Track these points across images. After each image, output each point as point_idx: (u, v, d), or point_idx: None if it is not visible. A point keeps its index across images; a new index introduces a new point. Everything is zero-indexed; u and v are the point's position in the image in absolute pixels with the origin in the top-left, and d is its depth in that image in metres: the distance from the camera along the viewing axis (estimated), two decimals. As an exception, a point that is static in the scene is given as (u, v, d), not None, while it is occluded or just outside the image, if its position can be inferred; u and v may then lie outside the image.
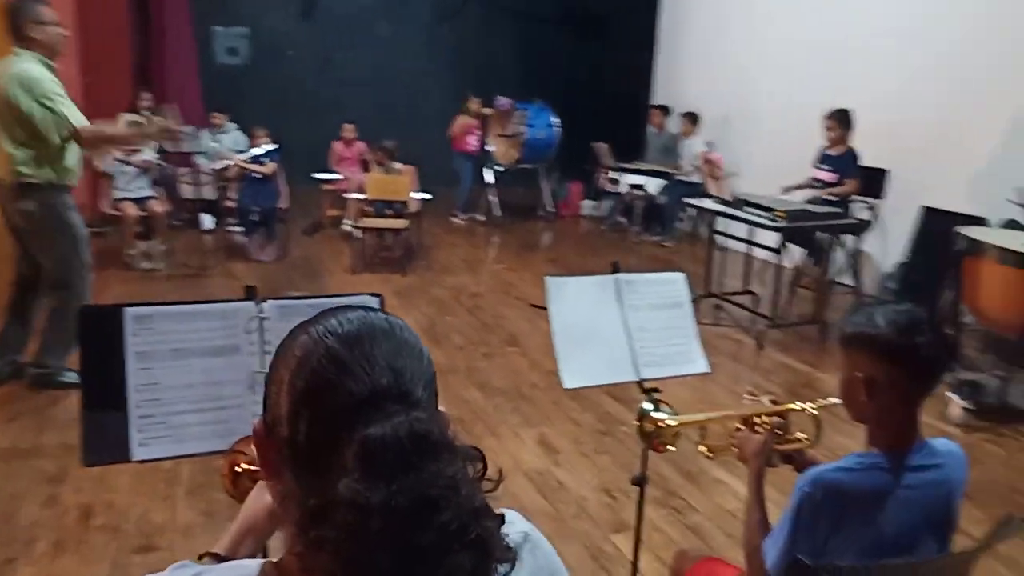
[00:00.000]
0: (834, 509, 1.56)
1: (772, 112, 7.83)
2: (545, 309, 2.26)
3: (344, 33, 10.82)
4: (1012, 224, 5.02)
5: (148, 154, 6.82)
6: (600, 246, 8.33)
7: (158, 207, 6.67)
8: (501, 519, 0.82)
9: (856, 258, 5.87)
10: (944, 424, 4.15)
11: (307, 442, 0.81)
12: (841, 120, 5.88)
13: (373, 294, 1.94)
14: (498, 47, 11.11)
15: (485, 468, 0.84)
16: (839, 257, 6.01)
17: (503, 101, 9.19)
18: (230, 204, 7.41)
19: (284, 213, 7.33)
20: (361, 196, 7.31)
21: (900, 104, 6.30)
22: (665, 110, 9.02)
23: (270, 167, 7.18)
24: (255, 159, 7.15)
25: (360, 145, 8.47)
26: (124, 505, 3.12)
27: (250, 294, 1.83)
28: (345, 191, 8.12)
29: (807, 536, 1.57)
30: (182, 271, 6.43)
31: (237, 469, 1.48)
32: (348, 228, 7.95)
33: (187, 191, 6.80)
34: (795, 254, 6.14)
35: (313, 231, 8.23)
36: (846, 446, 1.72)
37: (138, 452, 1.68)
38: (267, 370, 0.91)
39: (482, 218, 9.16)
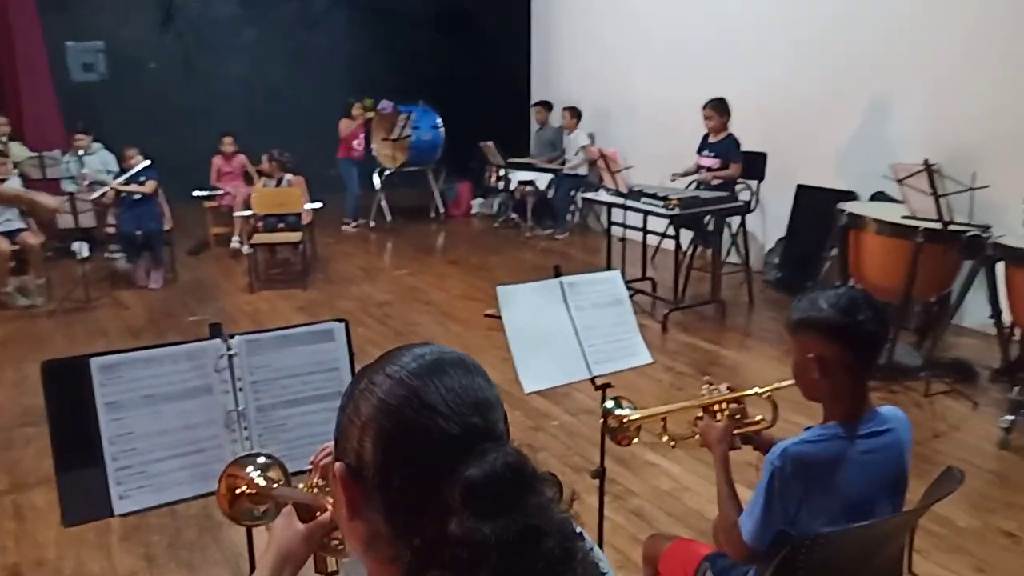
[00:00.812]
0: (802, 478, 1.70)
1: (652, 103, 8.14)
2: (499, 318, 2.31)
3: (207, 42, 10.40)
4: (880, 196, 5.46)
5: (12, 184, 6.35)
6: (495, 244, 8.43)
7: (31, 239, 6.23)
8: (583, 537, 0.87)
9: (742, 238, 6.22)
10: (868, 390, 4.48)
11: (403, 486, 0.83)
12: (717, 108, 6.20)
13: (338, 319, 1.95)
14: (374, 50, 10.97)
15: (562, 492, 0.89)
16: (726, 238, 6.34)
17: (386, 105, 9.12)
18: (109, 230, 7.02)
19: (168, 235, 7.00)
20: (248, 212, 7.11)
21: (772, 92, 6.72)
22: (548, 105, 9.20)
23: (150, 185, 6.83)
24: (131, 179, 6.79)
25: (241, 158, 8.20)
26: (55, 560, 2.95)
27: (216, 332, 1.80)
28: (230, 207, 7.85)
29: (780, 506, 1.70)
30: (65, 305, 6.04)
31: (238, 491, 1.44)
32: (237, 246, 7.70)
33: (62, 220, 6.37)
34: (687, 238, 6.45)
35: (200, 251, 7.92)
36: (801, 423, 1.85)
37: (120, 506, 1.62)
38: (339, 414, 0.92)
39: (373, 224, 9.07)
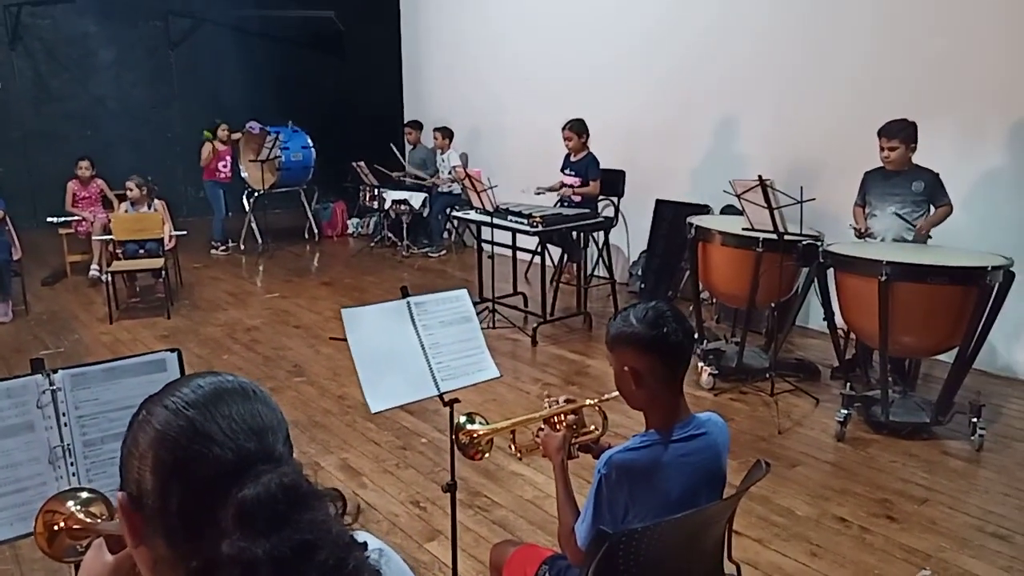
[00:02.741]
0: (626, 483, 1.82)
1: (519, 124, 8.38)
2: (345, 340, 2.34)
3: (61, 61, 9.93)
4: (729, 209, 5.81)
5: None
6: (371, 264, 8.40)
7: None
8: (364, 546, 0.94)
9: (606, 252, 6.46)
10: (698, 391, 4.74)
11: (180, 511, 0.87)
12: (575, 128, 6.46)
13: (171, 349, 1.94)
14: (241, 71, 10.74)
15: (345, 505, 0.95)
16: (592, 252, 6.57)
17: (254, 125, 8.95)
18: (-50, 261, 6.57)
19: (18, 265, 6.62)
20: (107, 237, 6.83)
21: (632, 115, 7.11)
22: (418, 125, 9.27)
23: (-5, 215, 6.46)
24: (-26, 208, 6.40)
25: (99, 182, 7.85)
26: None
27: (37, 367, 1.76)
28: (87, 233, 7.51)
29: (609, 510, 1.82)
30: (-101, 343, 5.63)
31: (55, 528, 1.42)
32: (96, 273, 7.36)
33: None
34: (554, 253, 6.66)
35: (54, 281, 7.52)
36: (636, 429, 1.98)
37: (-69, 553, 1.56)
38: (121, 446, 0.95)
39: (243, 247, 8.86)
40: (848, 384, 4.29)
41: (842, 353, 4.60)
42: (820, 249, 4.28)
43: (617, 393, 1.98)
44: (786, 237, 4.40)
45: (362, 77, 10.89)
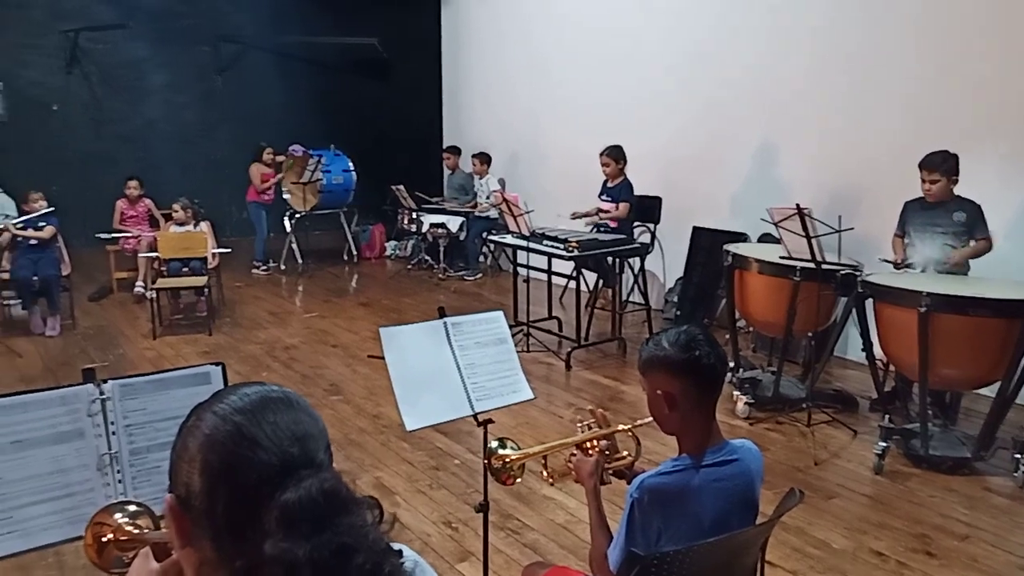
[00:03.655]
0: (659, 508, 1.82)
1: (557, 149, 8.46)
2: (383, 358, 2.39)
3: (115, 84, 10.26)
4: (767, 237, 5.78)
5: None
6: (408, 286, 8.49)
7: (-82, 286, 6.00)
8: (400, 553, 0.97)
9: (642, 278, 6.47)
10: (733, 420, 4.70)
11: (226, 513, 0.91)
12: (611, 154, 6.50)
13: (215, 363, 2.00)
14: (286, 95, 11.01)
15: (382, 513, 0.98)
16: (628, 278, 6.58)
17: (297, 148, 9.16)
18: (3, 275, 6.79)
19: (67, 280, 6.83)
20: (153, 254, 7.02)
21: (670, 140, 7.14)
22: (456, 151, 9.39)
23: (47, 231, 6.67)
24: (30, 224, 6.62)
25: (147, 202, 8.08)
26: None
27: (89, 377, 1.83)
28: (134, 250, 7.72)
29: (642, 535, 1.83)
30: (-46, 354, 5.82)
31: (103, 540, 1.47)
32: (141, 290, 7.55)
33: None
34: (589, 278, 6.68)
35: (101, 297, 7.72)
36: (667, 455, 1.99)
37: (-16, 552, 1.62)
38: (171, 451, 0.99)
39: (284, 267, 9.03)
40: (887, 416, 4.23)
41: (881, 385, 4.53)
42: (859, 279, 4.24)
43: (651, 418, 1.99)
44: (824, 266, 4.37)
45: (403, 103, 11.09)
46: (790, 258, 4.50)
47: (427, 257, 9.23)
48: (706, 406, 1.88)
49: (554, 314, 6.57)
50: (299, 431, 0.96)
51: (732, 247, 4.95)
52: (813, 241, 4.29)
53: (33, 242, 6.63)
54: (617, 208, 6.48)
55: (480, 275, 8.81)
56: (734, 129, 6.68)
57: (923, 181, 4.45)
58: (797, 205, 4.24)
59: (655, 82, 7.33)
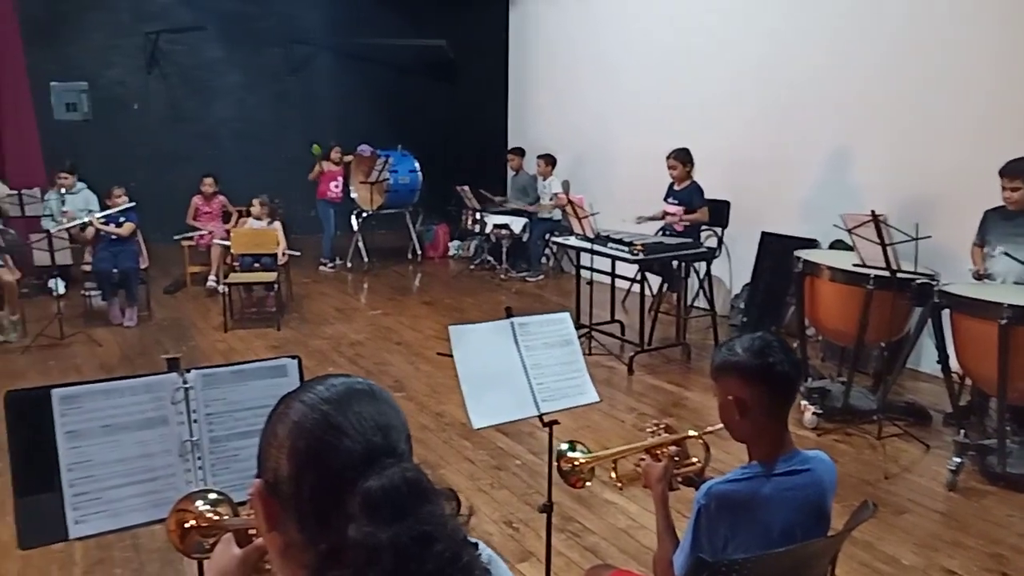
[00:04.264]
0: (726, 515, 1.81)
1: (623, 151, 8.41)
2: (451, 356, 2.42)
3: (192, 84, 10.61)
4: (839, 244, 5.65)
5: (-10, 220, 6.46)
6: (470, 286, 8.56)
7: (7, 275, 6.29)
8: (476, 545, 0.99)
9: (708, 283, 6.38)
10: (800, 430, 4.60)
11: (312, 498, 0.94)
12: (680, 157, 6.43)
13: (291, 356, 2.05)
14: (356, 96, 11.24)
15: (459, 505, 1.00)
16: (693, 283, 6.50)
17: (365, 148, 9.32)
18: (85, 268, 7.09)
19: (144, 273, 7.09)
20: (225, 243, 7.24)
21: (739, 143, 7.00)
22: (520, 152, 9.42)
23: (127, 227, 6.93)
24: (111, 219, 6.89)
25: (221, 199, 8.33)
26: (15, 593, 2.99)
27: (173, 366, 1.90)
28: (208, 246, 7.96)
29: (708, 542, 1.81)
30: (39, 341, 6.08)
31: (186, 526, 1.52)
32: (213, 284, 7.79)
33: (39, 257, 6.45)
34: (653, 282, 6.62)
35: (175, 290, 7.99)
36: (734, 466, 1.96)
37: (75, 530, 1.70)
38: (261, 436, 1.03)
39: (350, 264, 9.20)
40: (962, 431, 4.09)
41: (956, 398, 4.38)
42: (935, 289, 4.11)
43: (721, 425, 1.97)
44: (899, 275, 4.25)
45: (469, 104, 11.18)
46: (864, 266, 4.39)
47: (489, 257, 9.28)
48: (778, 414, 1.85)
49: (617, 317, 6.54)
50: (382, 421, 0.98)
51: (803, 253, 4.86)
52: (888, 249, 4.17)
53: (114, 236, 6.90)
54: (693, 212, 6.40)
55: (542, 276, 8.82)
56: (805, 131, 6.53)
57: (1004, 188, 4.30)
58: (872, 212, 4.13)
59: (724, 83, 7.22)
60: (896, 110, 5.84)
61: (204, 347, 6.18)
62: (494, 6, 10.43)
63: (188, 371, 1.89)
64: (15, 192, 7.07)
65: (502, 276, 8.82)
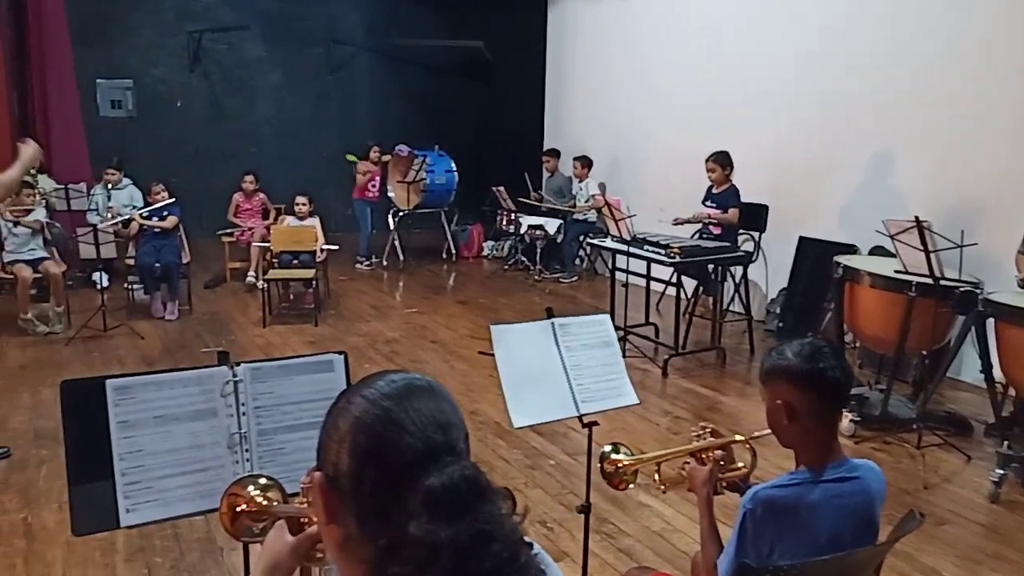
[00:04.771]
0: (773, 520, 1.79)
1: (660, 153, 8.36)
2: (492, 355, 2.44)
3: (234, 83, 10.78)
4: (878, 250, 5.57)
5: (38, 214, 6.62)
6: (505, 285, 8.58)
7: (53, 268, 6.45)
8: (532, 546, 1.00)
9: (744, 287, 6.33)
10: (838, 438, 4.54)
11: (372, 493, 0.95)
12: (719, 160, 6.39)
13: (338, 352, 2.09)
14: (394, 96, 11.34)
15: (515, 504, 1.01)
16: (729, 287, 6.45)
17: (402, 148, 9.39)
18: (129, 262, 7.24)
19: (186, 268, 7.22)
20: (265, 244, 7.35)
21: (778, 146, 6.93)
22: (556, 154, 9.42)
23: (170, 221, 7.07)
24: (155, 214, 7.03)
25: (261, 196, 8.45)
26: (61, 578, 3.06)
27: (223, 359, 1.94)
28: (248, 242, 8.08)
29: (753, 547, 1.80)
30: (83, 333, 6.22)
31: (238, 509, 1.56)
32: (252, 280, 7.90)
33: (84, 250, 6.61)
34: (688, 285, 6.58)
35: (216, 285, 8.12)
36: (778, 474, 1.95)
37: (127, 518, 1.74)
38: (321, 430, 1.04)
39: (386, 263, 9.27)
40: (1006, 442, 4.01)
41: (999, 409, 4.31)
42: (980, 297, 4.05)
43: (768, 431, 1.96)
44: (942, 282, 4.19)
45: (506, 105, 11.21)
46: (906, 272, 4.33)
47: (523, 258, 9.29)
48: (827, 420, 1.84)
49: (651, 320, 6.51)
50: (442, 419, 0.99)
51: (844, 259, 4.80)
52: (932, 256, 4.11)
53: (157, 231, 7.04)
54: (727, 212, 6.36)
55: (576, 278, 8.81)
56: (846, 135, 6.44)
57: (1054, 196, 4.21)
58: (916, 218, 4.07)
59: (762, 84, 7.14)
60: (941, 113, 5.74)
61: (243, 342, 6.27)
62: (533, 7, 10.45)
63: (238, 364, 1.93)
64: (61, 186, 7.24)
65: (536, 277, 8.82)
